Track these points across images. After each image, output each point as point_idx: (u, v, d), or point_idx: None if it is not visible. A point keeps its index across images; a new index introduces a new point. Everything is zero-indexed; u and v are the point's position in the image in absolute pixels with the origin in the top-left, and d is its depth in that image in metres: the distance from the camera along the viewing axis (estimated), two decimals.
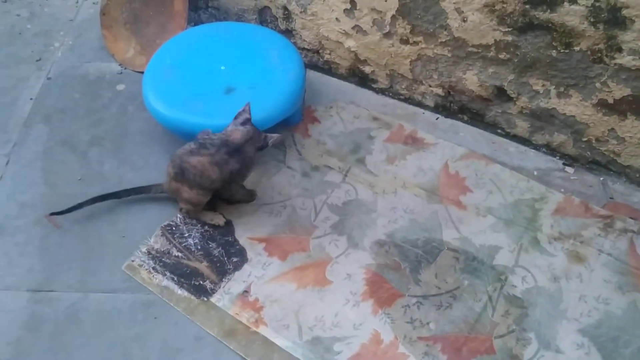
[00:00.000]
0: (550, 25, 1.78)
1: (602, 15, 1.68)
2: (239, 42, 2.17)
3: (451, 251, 1.83)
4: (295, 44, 2.36)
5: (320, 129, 2.19)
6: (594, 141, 1.99)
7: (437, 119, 2.23)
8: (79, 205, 1.88)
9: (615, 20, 1.67)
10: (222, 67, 2.08)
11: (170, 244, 1.87)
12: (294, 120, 2.17)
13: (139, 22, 2.45)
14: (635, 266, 1.76)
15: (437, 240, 1.86)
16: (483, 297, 1.72)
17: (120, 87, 2.36)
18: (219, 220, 1.91)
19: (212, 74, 2.06)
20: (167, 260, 1.83)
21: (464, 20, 1.90)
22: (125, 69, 2.43)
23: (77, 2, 2.78)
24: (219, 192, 1.87)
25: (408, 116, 2.24)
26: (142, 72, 2.13)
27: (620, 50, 1.72)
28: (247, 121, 1.80)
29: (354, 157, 2.09)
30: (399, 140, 2.14)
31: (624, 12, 1.63)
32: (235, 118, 1.82)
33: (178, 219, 1.93)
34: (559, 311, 1.68)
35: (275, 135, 1.83)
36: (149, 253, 1.84)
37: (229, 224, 1.92)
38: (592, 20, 1.70)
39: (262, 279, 1.79)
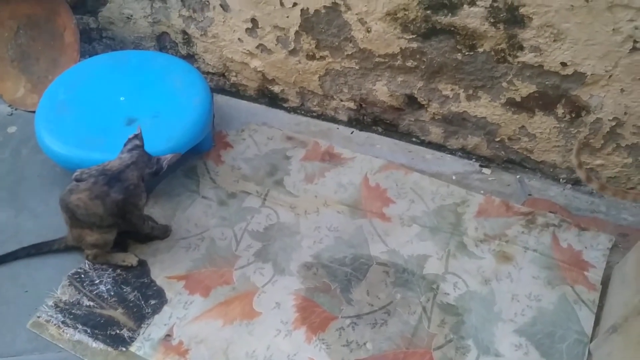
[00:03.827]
0: (452, 29, 1.78)
1: (501, 15, 1.69)
2: (138, 70, 2.05)
3: (380, 265, 1.78)
4: (198, 68, 2.27)
5: (233, 154, 2.09)
6: (506, 140, 2.01)
7: (352, 132, 2.20)
8: None
9: (514, 19, 1.69)
10: (122, 98, 1.95)
11: (79, 293, 1.71)
12: (205, 148, 2.07)
13: (28, 58, 2.28)
14: (560, 259, 1.77)
15: (365, 256, 1.80)
16: (417, 309, 1.67)
17: (12, 129, 2.18)
18: (132, 260, 1.77)
19: (111, 106, 1.93)
20: (78, 312, 1.67)
21: (368, 31, 1.88)
22: (15, 109, 2.25)
23: None
24: (127, 229, 1.74)
25: (323, 132, 2.19)
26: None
27: (522, 48, 1.74)
28: (137, 147, 1.68)
29: (272, 179, 2.01)
30: (316, 157, 2.08)
31: (522, 10, 1.66)
32: (124, 145, 1.69)
33: (87, 265, 1.77)
34: (493, 314, 1.66)
35: (169, 156, 1.69)
36: (56, 306, 1.68)
37: (143, 264, 1.79)
38: (492, 20, 1.72)
39: (184, 319, 1.66)
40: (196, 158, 2.05)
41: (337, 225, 1.88)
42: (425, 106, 2.03)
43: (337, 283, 1.73)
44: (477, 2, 1.69)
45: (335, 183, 2.00)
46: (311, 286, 1.73)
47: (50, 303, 1.68)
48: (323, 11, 1.89)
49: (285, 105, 2.26)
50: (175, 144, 1.85)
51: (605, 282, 1.71)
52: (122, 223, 1.70)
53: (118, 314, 1.68)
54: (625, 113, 1.76)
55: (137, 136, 1.69)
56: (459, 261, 1.78)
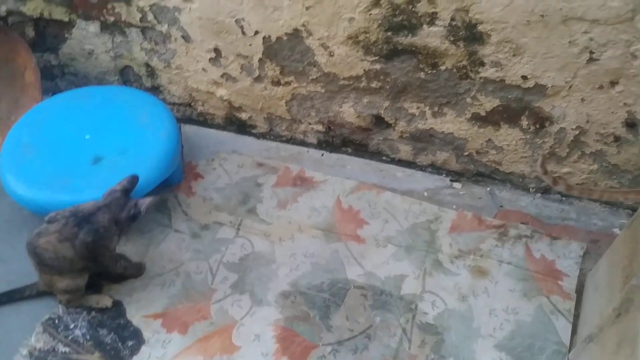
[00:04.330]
0: (414, 49, 1.80)
1: (461, 33, 1.71)
2: (103, 106, 2.03)
3: (358, 289, 1.77)
4: (164, 100, 2.26)
5: (204, 184, 2.08)
6: (474, 154, 2.02)
7: (322, 155, 2.20)
8: None
9: (473, 36, 1.71)
10: (87, 136, 1.93)
11: (54, 339, 1.68)
12: (175, 180, 2.05)
13: None
14: (535, 270, 1.79)
15: (342, 280, 1.79)
16: (397, 331, 1.67)
17: None
18: (106, 302, 1.74)
19: (77, 145, 1.90)
20: (54, 359, 1.64)
21: (331, 55, 1.89)
22: None
23: None
24: (100, 271, 1.71)
25: (293, 157, 2.19)
26: None
27: (483, 64, 1.76)
28: (114, 192, 1.64)
29: (244, 208, 2.00)
30: (287, 183, 2.08)
31: (480, 27, 1.68)
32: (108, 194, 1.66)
33: (60, 310, 1.74)
34: (472, 330, 1.67)
35: (147, 200, 1.65)
36: (30, 355, 1.64)
37: (118, 304, 1.76)
38: (452, 39, 1.74)
39: (163, 358, 1.63)
40: (167, 191, 2.03)
41: (312, 251, 1.87)
42: (393, 125, 2.04)
43: (315, 310, 1.73)
44: (436, 22, 1.71)
45: (308, 208, 1.99)
46: (290, 315, 1.72)
47: (24, 352, 1.65)
48: (285, 38, 1.89)
49: (254, 131, 2.26)
50: (144, 179, 1.82)
51: (580, 290, 1.73)
52: (94, 266, 1.68)
53: (95, 358, 1.65)
54: (588, 121, 1.79)
55: (128, 181, 1.67)
56: (435, 279, 1.79)
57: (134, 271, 1.80)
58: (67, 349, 1.66)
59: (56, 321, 1.72)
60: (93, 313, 1.74)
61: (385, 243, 1.88)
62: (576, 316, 1.68)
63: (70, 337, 1.69)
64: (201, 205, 2.01)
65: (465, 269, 1.81)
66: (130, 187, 1.67)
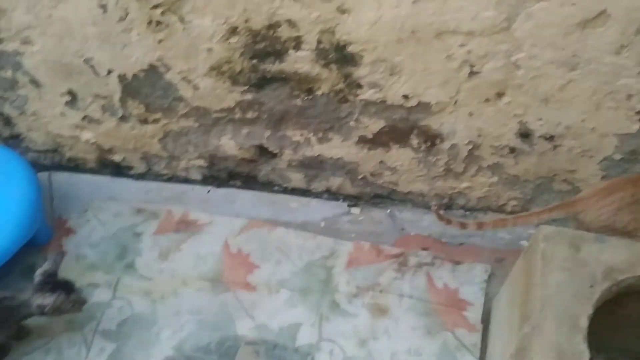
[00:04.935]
0: (284, 75, 1.64)
1: (330, 56, 1.56)
2: None
3: (249, 345, 1.61)
4: (27, 148, 2.03)
5: (76, 240, 1.87)
6: (369, 176, 1.89)
7: (208, 192, 2.02)
8: None
9: (344, 58, 1.56)
10: None
11: None
12: (42, 240, 1.83)
13: None
14: (437, 302, 1.66)
15: (231, 338, 1.63)
16: None
17: None
18: None
19: None
20: None
21: (196, 88, 1.71)
22: None
23: None
24: None
25: (176, 197, 2.00)
26: None
27: (360, 86, 1.62)
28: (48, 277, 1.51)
29: (122, 263, 1.80)
30: (169, 229, 1.88)
31: (349, 48, 1.53)
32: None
33: None
34: None
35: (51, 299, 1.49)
36: None
37: None
38: (322, 62, 1.58)
39: None
40: (34, 253, 1.81)
41: (198, 306, 1.70)
42: (279, 154, 1.88)
43: None
44: (302, 46, 1.55)
45: (193, 256, 1.81)
46: None
47: None
48: (142, 75, 1.70)
49: (131, 172, 2.06)
50: (1, 246, 1.62)
51: (487, 318, 1.62)
52: None
53: None
54: (480, 135, 1.68)
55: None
56: (332, 324, 1.64)
57: None
58: None
59: None
60: None
61: (278, 288, 1.72)
62: (483, 350, 1.56)
63: None
64: (74, 265, 1.80)
65: (365, 307, 1.66)
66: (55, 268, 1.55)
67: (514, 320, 1.32)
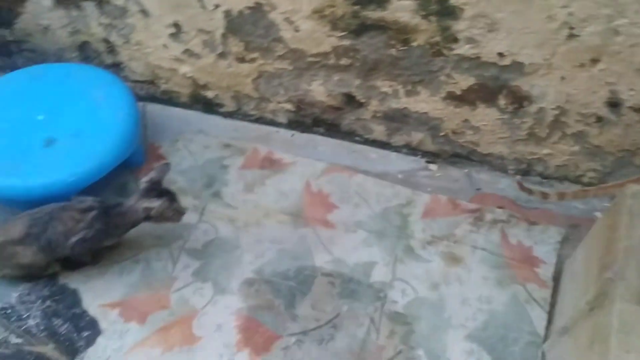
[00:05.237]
0: (383, 24, 1.69)
1: (432, 7, 1.61)
2: (58, 85, 1.91)
3: (325, 276, 1.69)
4: (126, 77, 2.14)
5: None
6: (451, 134, 1.93)
7: (292, 135, 2.10)
8: None
9: (445, 10, 1.60)
10: (40, 117, 1.82)
11: (6, 330, 1.60)
12: (136, 163, 1.95)
13: None
14: (510, 257, 1.71)
15: (309, 268, 1.71)
16: (365, 321, 1.60)
17: None
18: (55, 267, 1.69)
19: (28, 126, 1.79)
20: (6, 351, 1.55)
21: (297, 30, 1.78)
22: None
23: None
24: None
25: (262, 137, 2.09)
26: None
27: (456, 40, 1.66)
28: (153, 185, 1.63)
29: (209, 191, 1.91)
30: (255, 165, 1.98)
31: (452, 1, 1.57)
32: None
33: (13, 299, 1.65)
34: (444, 320, 1.59)
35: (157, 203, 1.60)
36: None
37: (74, 293, 1.67)
38: (423, 13, 1.63)
39: (120, 350, 1.56)
40: (127, 174, 1.93)
41: (279, 237, 1.79)
42: (365, 104, 1.94)
43: (280, 299, 1.65)
44: None
45: (276, 191, 1.90)
46: (254, 304, 1.64)
47: None
48: (247, 12, 1.78)
49: (221, 110, 2.15)
50: (99, 163, 1.73)
51: (557, 278, 1.66)
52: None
53: (49, 349, 1.56)
54: (568, 101, 1.70)
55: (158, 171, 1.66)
56: (406, 266, 1.71)
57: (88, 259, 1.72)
58: (20, 340, 1.58)
59: (8, 311, 1.63)
60: (47, 302, 1.65)
61: (355, 228, 1.80)
62: (552, 305, 1.60)
63: (23, 328, 1.60)
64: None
65: (438, 255, 1.72)
66: (160, 177, 1.65)
67: (591, 273, 1.36)
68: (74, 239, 1.58)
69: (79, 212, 1.59)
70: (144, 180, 1.63)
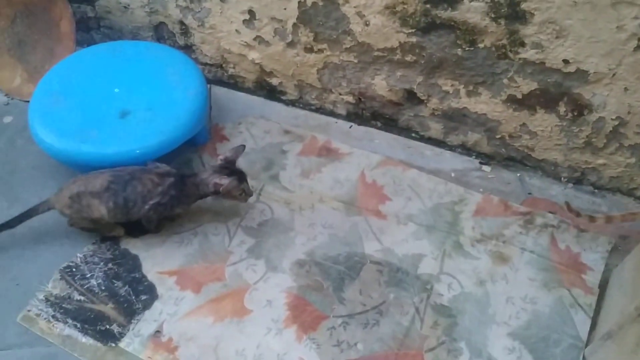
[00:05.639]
0: (452, 23, 1.73)
1: (502, 11, 1.65)
2: (134, 61, 2.02)
3: (374, 264, 1.75)
4: (196, 59, 2.24)
5: (229, 147, 2.05)
6: (507, 137, 1.96)
7: (350, 127, 2.16)
8: None
9: (515, 14, 1.64)
10: (116, 90, 1.93)
11: (70, 287, 1.70)
12: (201, 141, 2.04)
13: (24, 47, 2.26)
14: (558, 261, 1.73)
15: (359, 254, 1.77)
16: (410, 310, 1.65)
17: (8, 119, 2.17)
18: (119, 231, 1.79)
19: (105, 98, 1.90)
20: (68, 306, 1.66)
21: (367, 24, 1.84)
22: (12, 99, 2.23)
23: None
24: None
25: (321, 127, 2.16)
26: None
27: (523, 44, 1.69)
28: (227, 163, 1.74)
29: (267, 174, 1.98)
30: (312, 152, 2.05)
31: (523, 5, 1.61)
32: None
33: (78, 259, 1.76)
34: (487, 316, 1.63)
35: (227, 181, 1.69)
36: (47, 300, 1.66)
37: (135, 258, 1.77)
38: (493, 16, 1.67)
39: (175, 316, 1.64)
40: (191, 151, 2.03)
41: (331, 222, 1.85)
42: (425, 101, 1.99)
43: (329, 281, 1.71)
44: None
45: (331, 179, 1.97)
46: (303, 284, 1.71)
47: (41, 297, 1.67)
48: (321, 3, 1.85)
49: (284, 98, 2.23)
50: (169, 137, 1.83)
51: (603, 286, 1.67)
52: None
53: (108, 308, 1.66)
54: (629, 112, 1.72)
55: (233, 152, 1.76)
56: (454, 261, 1.75)
57: (153, 229, 1.81)
58: (82, 297, 1.68)
59: (74, 269, 1.74)
60: (110, 265, 1.75)
61: (406, 221, 1.85)
62: (596, 312, 1.62)
63: (86, 286, 1.70)
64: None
65: (486, 253, 1.76)
66: (235, 157, 1.75)
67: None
68: (151, 202, 1.67)
69: (158, 176, 1.68)
70: (219, 158, 1.72)
